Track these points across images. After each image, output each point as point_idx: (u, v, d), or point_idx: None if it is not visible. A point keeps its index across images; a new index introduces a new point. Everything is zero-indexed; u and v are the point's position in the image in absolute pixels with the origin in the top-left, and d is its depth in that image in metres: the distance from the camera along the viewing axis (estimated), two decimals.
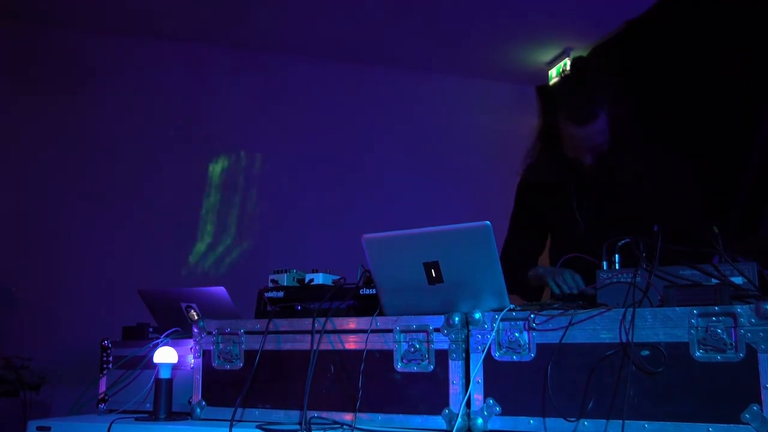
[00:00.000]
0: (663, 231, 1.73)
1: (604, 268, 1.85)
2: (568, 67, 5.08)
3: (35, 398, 3.70)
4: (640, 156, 2.38)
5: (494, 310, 1.70)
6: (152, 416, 1.98)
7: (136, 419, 2.00)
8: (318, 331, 1.83)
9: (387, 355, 1.77)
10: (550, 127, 2.43)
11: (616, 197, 2.39)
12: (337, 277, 2.16)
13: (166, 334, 2.15)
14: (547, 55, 5.17)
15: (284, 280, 2.15)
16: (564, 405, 1.57)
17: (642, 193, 2.37)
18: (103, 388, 2.25)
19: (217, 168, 5.01)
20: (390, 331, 1.77)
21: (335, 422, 1.76)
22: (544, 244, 2.68)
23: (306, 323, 1.86)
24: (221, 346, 1.98)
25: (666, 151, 2.46)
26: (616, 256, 1.86)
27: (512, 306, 1.70)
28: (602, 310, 1.59)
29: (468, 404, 1.67)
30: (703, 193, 2.50)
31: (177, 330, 2.16)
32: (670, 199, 2.37)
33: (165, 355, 2.01)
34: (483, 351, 1.67)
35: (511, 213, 2.71)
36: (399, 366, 1.75)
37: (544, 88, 5.49)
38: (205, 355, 1.99)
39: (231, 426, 1.77)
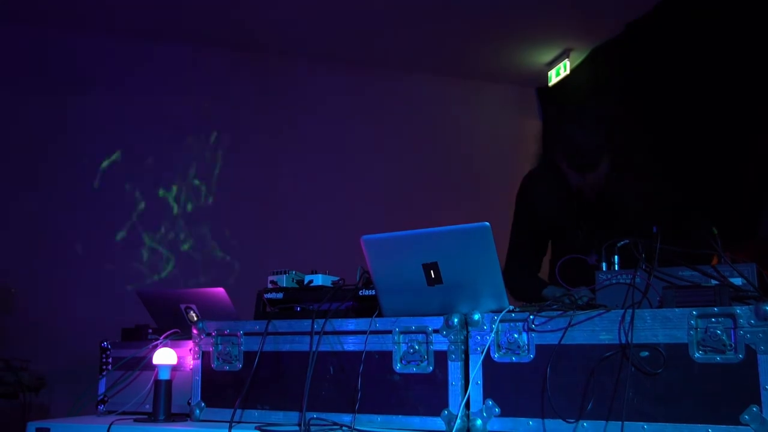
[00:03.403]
0: (662, 232, 1.73)
1: (603, 269, 1.85)
2: (568, 70, 5.10)
3: (34, 400, 3.70)
4: (641, 176, 2.36)
5: (493, 311, 1.70)
6: (151, 417, 1.98)
7: (135, 420, 2.00)
8: (317, 333, 1.83)
9: (386, 357, 1.77)
10: (551, 159, 2.40)
11: (617, 216, 2.38)
12: (337, 278, 2.16)
13: (165, 335, 2.15)
14: (547, 56, 5.17)
15: (283, 281, 2.15)
16: (563, 406, 1.57)
17: (642, 207, 2.35)
18: (102, 389, 2.25)
19: (217, 168, 5.01)
20: (389, 332, 1.77)
21: (334, 423, 1.76)
22: (546, 249, 2.67)
23: (305, 324, 1.86)
24: (220, 347, 1.98)
25: (663, 156, 2.46)
26: (615, 257, 1.86)
27: (511, 307, 1.70)
28: (601, 311, 1.59)
29: (467, 405, 1.67)
30: (703, 193, 2.50)
31: (176, 331, 2.16)
32: (669, 201, 2.37)
33: (164, 356, 2.01)
34: (482, 352, 1.67)
35: (512, 220, 2.69)
36: (398, 367, 1.75)
37: (544, 90, 5.50)
38: (205, 357, 1.99)
39: (230, 427, 1.77)
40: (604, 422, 1.53)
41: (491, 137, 5.45)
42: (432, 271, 1.73)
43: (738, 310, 1.47)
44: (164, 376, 2.00)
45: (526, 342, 1.64)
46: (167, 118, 4.90)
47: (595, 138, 2.26)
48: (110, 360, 2.27)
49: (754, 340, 1.44)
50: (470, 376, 1.67)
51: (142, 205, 4.78)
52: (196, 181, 4.95)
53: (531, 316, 1.64)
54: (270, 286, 2.16)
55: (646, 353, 1.52)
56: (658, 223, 1.79)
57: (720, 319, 1.48)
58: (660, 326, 1.52)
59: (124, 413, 2.13)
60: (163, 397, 1.98)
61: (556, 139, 2.39)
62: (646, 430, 1.49)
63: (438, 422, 1.68)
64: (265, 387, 1.89)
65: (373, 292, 1.88)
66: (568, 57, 5.08)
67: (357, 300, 1.98)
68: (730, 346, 1.46)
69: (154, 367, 2.03)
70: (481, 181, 5.27)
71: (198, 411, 1.97)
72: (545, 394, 1.59)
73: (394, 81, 5.39)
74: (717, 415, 1.44)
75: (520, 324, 1.66)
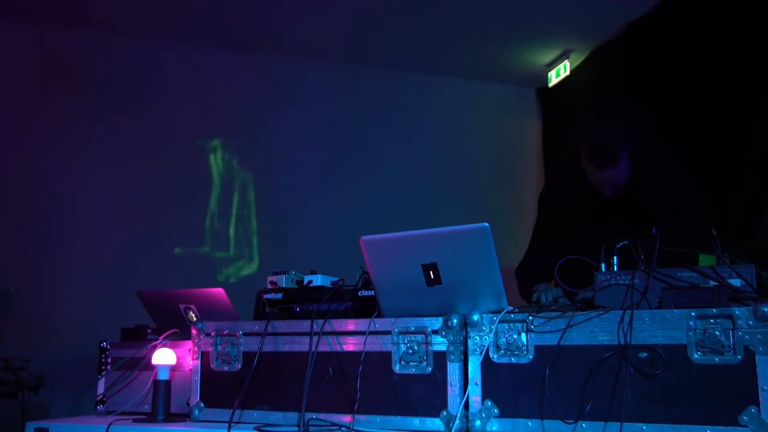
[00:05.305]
0: (662, 233, 1.73)
1: (603, 270, 1.85)
2: (568, 71, 5.10)
3: (34, 399, 3.70)
4: (661, 181, 2.35)
5: (492, 312, 1.70)
6: (150, 418, 1.99)
7: (134, 421, 2.01)
8: (316, 333, 1.83)
9: (385, 357, 1.77)
10: (574, 156, 2.40)
11: (640, 211, 2.37)
12: (336, 279, 2.16)
13: (164, 335, 2.15)
14: (547, 57, 5.17)
15: (283, 281, 2.15)
16: (562, 407, 1.57)
17: (658, 210, 2.35)
18: (101, 389, 2.25)
19: (217, 169, 5.01)
20: (388, 332, 1.77)
21: (333, 424, 1.76)
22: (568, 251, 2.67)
23: (304, 325, 1.86)
24: (220, 347, 1.98)
25: (675, 159, 2.45)
26: (615, 258, 1.86)
27: (511, 308, 1.70)
28: (600, 312, 1.59)
29: (466, 406, 1.67)
30: (703, 194, 2.49)
31: (175, 331, 2.16)
32: (672, 203, 2.37)
33: (163, 356, 2.02)
34: (481, 353, 1.67)
35: (534, 225, 2.69)
36: (397, 368, 1.75)
37: (544, 90, 5.50)
38: (204, 357, 1.99)
39: (229, 427, 1.77)
40: (603, 423, 1.53)
41: (491, 137, 5.45)
42: (431, 272, 1.73)
43: (736, 311, 1.47)
44: (163, 376, 2.00)
45: (525, 343, 1.65)
46: (168, 117, 4.89)
47: (619, 133, 2.27)
48: (109, 360, 2.27)
49: (753, 341, 1.44)
50: (469, 376, 1.68)
51: (142, 204, 4.78)
52: (195, 181, 4.95)
53: (530, 317, 1.65)
54: (269, 286, 2.17)
55: (645, 354, 1.52)
56: (658, 224, 1.79)
57: (719, 320, 1.48)
58: (659, 327, 1.52)
59: (123, 413, 2.13)
60: (162, 398, 1.99)
61: (578, 134, 2.40)
62: (645, 431, 1.49)
63: (437, 423, 1.69)
64: (265, 387, 1.89)
65: (373, 293, 1.88)
66: (568, 58, 5.08)
67: (356, 300, 1.99)
68: (729, 347, 1.46)
69: (153, 368, 2.03)
70: (481, 181, 5.26)
71: (197, 411, 1.97)
72: (544, 395, 1.59)
73: (394, 81, 5.39)
74: (716, 416, 1.44)
75: (519, 325, 1.66)
